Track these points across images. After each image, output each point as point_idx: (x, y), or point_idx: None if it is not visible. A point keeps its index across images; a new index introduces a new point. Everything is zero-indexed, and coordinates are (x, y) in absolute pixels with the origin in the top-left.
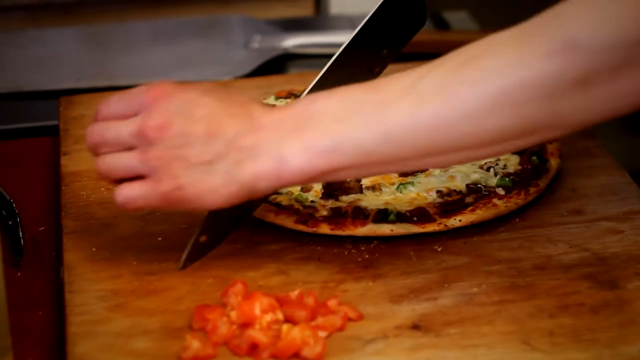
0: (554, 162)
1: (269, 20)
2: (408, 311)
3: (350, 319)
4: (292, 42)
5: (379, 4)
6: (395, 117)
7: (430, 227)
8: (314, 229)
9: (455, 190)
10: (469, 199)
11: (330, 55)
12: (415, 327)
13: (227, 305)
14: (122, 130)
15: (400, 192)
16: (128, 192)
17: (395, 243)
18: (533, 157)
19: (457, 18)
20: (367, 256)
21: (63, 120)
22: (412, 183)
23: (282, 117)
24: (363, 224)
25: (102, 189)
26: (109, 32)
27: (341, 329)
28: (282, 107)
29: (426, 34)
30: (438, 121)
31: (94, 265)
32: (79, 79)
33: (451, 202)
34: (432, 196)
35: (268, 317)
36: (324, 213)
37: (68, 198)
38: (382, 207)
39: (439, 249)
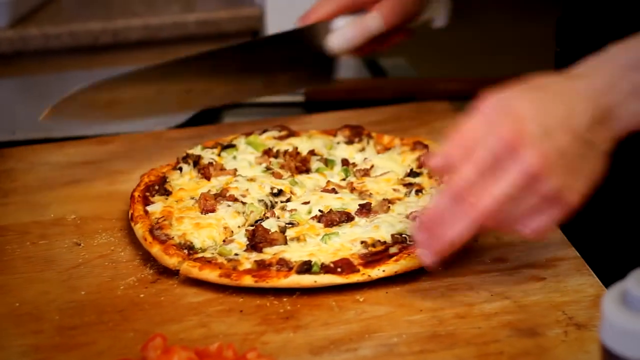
0: None
1: None
2: None
3: None
4: None
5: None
6: None
7: (354, 278)
8: (237, 281)
9: (379, 241)
10: (393, 249)
11: (264, 104)
12: None
13: (146, 359)
14: (511, 182)
15: (325, 243)
16: (538, 224)
17: (317, 294)
18: None
19: (394, 65)
20: (289, 307)
21: None
22: (336, 234)
23: (616, 71)
24: (286, 276)
25: (28, 243)
26: (46, 83)
27: None
28: (609, 57)
29: (363, 82)
30: None
31: (17, 320)
32: (13, 132)
33: (375, 253)
34: (357, 247)
35: None
36: (248, 266)
37: None
38: (306, 258)
39: (361, 299)
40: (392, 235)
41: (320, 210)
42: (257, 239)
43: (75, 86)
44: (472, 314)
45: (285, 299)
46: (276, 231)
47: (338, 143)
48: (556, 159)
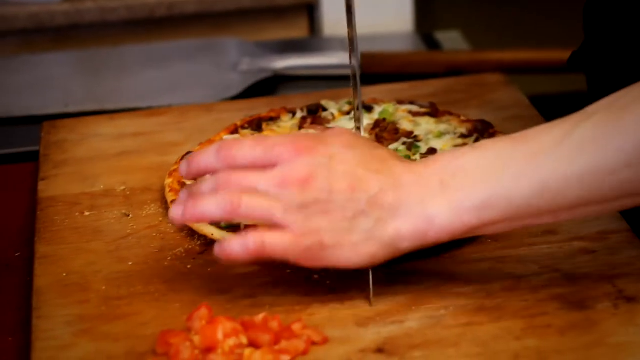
0: None
1: (261, 42)
2: (373, 334)
3: (314, 343)
4: (282, 64)
5: None
6: (550, 168)
7: None
8: None
9: None
10: None
11: (318, 77)
12: (380, 350)
13: (191, 329)
14: (260, 178)
15: None
16: (269, 239)
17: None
18: None
19: (449, 38)
20: (335, 279)
21: (44, 145)
22: None
23: (425, 174)
24: None
25: (77, 213)
26: (101, 57)
27: (305, 353)
28: (423, 163)
29: (417, 55)
30: (597, 170)
31: (63, 290)
32: (66, 104)
33: None
34: None
35: (231, 342)
36: None
37: (42, 223)
38: None
39: (409, 271)
40: None
41: None
42: None
43: (130, 60)
44: (520, 286)
45: (332, 271)
46: None
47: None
48: (320, 190)
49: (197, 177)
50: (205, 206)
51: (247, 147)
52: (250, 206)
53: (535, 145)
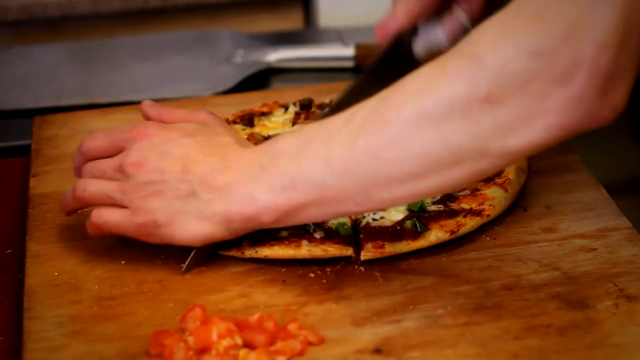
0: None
1: (255, 34)
2: (370, 334)
3: (310, 343)
4: (276, 56)
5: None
6: (336, 148)
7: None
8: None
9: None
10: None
11: (312, 69)
12: (377, 351)
13: (185, 330)
14: (107, 165)
15: None
16: (106, 215)
17: (361, 264)
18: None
19: None
20: (332, 278)
21: (36, 141)
22: None
23: (252, 157)
24: None
25: None
26: (94, 48)
27: (301, 353)
28: (254, 148)
29: None
30: (371, 148)
31: (55, 290)
32: (59, 97)
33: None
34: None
35: (225, 342)
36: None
37: (33, 221)
38: None
39: (406, 270)
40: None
41: None
42: None
43: (123, 52)
44: (519, 285)
45: (328, 269)
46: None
47: None
48: (153, 172)
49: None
50: (66, 195)
51: (98, 139)
52: (93, 190)
53: (330, 127)
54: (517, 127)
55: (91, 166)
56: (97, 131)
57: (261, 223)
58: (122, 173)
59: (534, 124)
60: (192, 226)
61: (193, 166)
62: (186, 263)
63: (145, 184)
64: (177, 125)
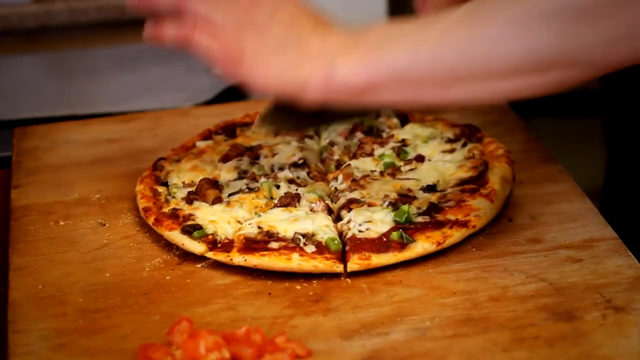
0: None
1: None
2: (358, 347)
3: (298, 357)
4: None
5: None
6: (427, 36)
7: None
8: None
9: (273, 233)
10: (274, 245)
11: None
12: None
13: (172, 343)
14: None
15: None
16: (200, 34)
17: (348, 276)
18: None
19: None
20: (318, 290)
21: (16, 152)
22: (259, 215)
23: (348, 34)
24: (171, 229)
25: (51, 223)
26: (72, 59)
27: None
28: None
29: None
30: (463, 43)
31: (39, 303)
32: (38, 108)
33: (256, 241)
34: (254, 229)
35: (213, 356)
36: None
37: (16, 233)
38: (209, 220)
39: (393, 281)
40: (296, 233)
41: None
42: (196, 188)
43: (102, 63)
44: (506, 296)
45: (314, 281)
46: (212, 189)
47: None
48: (263, 13)
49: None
50: None
51: None
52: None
53: (423, 22)
54: (611, 44)
55: None
56: None
57: (337, 96)
58: (231, 2)
59: (626, 44)
60: (273, 72)
61: (298, 22)
62: (261, 114)
63: (251, 15)
64: None
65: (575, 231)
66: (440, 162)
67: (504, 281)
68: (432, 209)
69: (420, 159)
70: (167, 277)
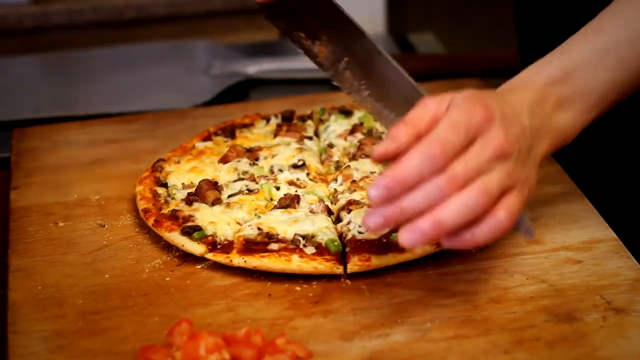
0: None
1: (232, 45)
2: (359, 348)
3: (298, 358)
4: (255, 67)
5: None
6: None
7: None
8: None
9: (272, 234)
10: (274, 246)
11: (292, 81)
12: None
13: (172, 345)
14: (483, 159)
15: (258, 218)
16: (511, 202)
17: (348, 277)
18: None
19: (423, 40)
20: (318, 291)
21: (15, 153)
22: (259, 216)
23: (541, 89)
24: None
25: (51, 224)
26: (70, 60)
27: None
28: (529, 78)
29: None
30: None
31: (39, 304)
32: (37, 109)
33: (256, 243)
34: (254, 231)
35: (213, 357)
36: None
37: (15, 234)
38: (209, 221)
39: (393, 283)
40: (296, 234)
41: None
42: (196, 190)
43: (100, 63)
44: (507, 298)
45: (314, 283)
46: (212, 190)
47: None
48: (516, 142)
49: (401, 193)
50: (453, 213)
51: (453, 138)
52: (493, 192)
53: (595, 24)
54: None
55: (462, 171)
56: (436, 136)
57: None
58: (502, 159)
59: None
60: (536, 175)
61: (517, 127)
62: (531, 226)
63: (516, 160)
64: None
65: (575, 232)
66: None
67: (504, 283)
68: None
69: None
70: (167, 279)
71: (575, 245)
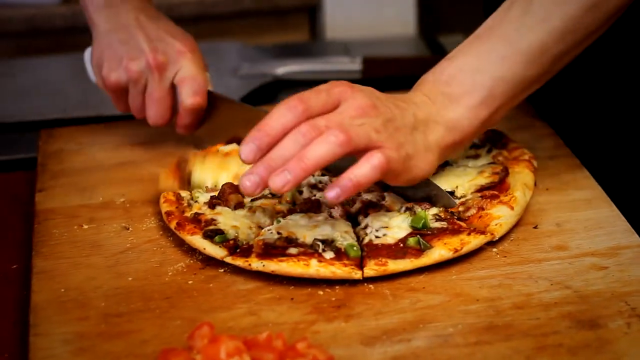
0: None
1: (261, 47)
2: (380, 354)
3: None
4: (283, 69)
5: None
6: (524, 39)
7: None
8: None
9: (292, 239)
10: (293, 251)
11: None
12: None
13: (193, 348)
14: (343, 115)
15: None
16: (377, 161)
17: (371, 282)
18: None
19: (453, 41)
20: (341, 295)
21: (42, 155)
22: (279, 220)
23: (428, 94)
24: (193, 233)
25: (75, 227)
26: None
27: None
28: (416, 89)
29: (421, 59)
30: (571, 17)
31: (62, 306)
32: (64, 110)
33: (274, 247)
34: (274, 235)
35: None
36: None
37: (40, 236)
38: (230, 225)
39: (416, 288)
40: (315, 239)
41: None
42: (219, 193)
43: None
44: (530, 304)
45: (337, 287)
46: (235, 194)
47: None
48: (385, 112)
49: (269, 146)
50: (317, 152)
51: (314, 96)
52: (357, 135)
53: (501, 30)
54: None
55: (324, 121)
56: (298, 95)
57: (468, 139)
58: (363, 117)
59: None
60: (426, 156)
61: (403, 105)
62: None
63: (386, 122)
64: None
65: (601, 238)
66: (462, 167)
67: (528, 288)
68: (451, 215)
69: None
70: (190, 282)
71: (600, 251)
